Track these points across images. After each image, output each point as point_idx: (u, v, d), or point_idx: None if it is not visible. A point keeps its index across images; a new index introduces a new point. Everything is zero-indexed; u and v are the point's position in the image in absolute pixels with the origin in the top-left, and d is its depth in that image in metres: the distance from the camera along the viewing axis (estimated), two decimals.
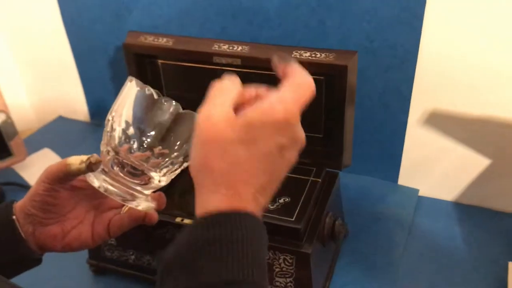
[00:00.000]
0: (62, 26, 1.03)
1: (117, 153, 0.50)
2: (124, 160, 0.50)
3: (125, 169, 0.51)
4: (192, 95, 0.79)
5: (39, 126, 1.18)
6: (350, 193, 0.87)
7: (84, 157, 0.51)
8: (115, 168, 0.51)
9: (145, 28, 0.92)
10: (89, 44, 1.03)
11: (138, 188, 0.52)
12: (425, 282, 0.73)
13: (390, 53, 0.76)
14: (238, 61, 0.71)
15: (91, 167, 0.51)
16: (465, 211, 0.85)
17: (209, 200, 0.39)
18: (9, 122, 0.97)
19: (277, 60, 0.45)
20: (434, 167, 0.85)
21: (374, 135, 0.86)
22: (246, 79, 0.73)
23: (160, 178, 0.52)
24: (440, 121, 0.80)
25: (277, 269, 0.64)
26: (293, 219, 0.63)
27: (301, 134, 0.42)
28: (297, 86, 0.42)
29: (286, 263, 0.63)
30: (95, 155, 0.51)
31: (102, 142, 0.52)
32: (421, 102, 0.79)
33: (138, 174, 0.51)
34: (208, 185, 0.39)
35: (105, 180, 0.51)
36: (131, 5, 0.92)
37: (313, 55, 0.67)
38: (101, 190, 0.50)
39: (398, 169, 0.88)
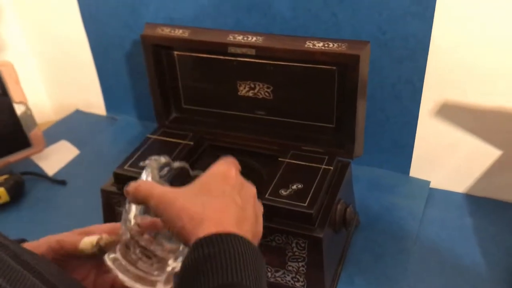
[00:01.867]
0: (80, 20, 1.05)
1: (132, 237, 0.48)
2: (141, 244, 0.48)
3: (141, 253, 0.49)
4: (207, 85, 0.82)
5: (57, 119, 1.20)
6: (361, 185, 0.89)
7: (94, 240, 0.49)
8: (131, 251, 0.49)
9: (161, 22, 0.94)
10: (106, 38, 1.05)
11: (154, 272, 0.49)
12: (436, 271, 0.74)
13: (401, 44, 0.77)
14: (252, 51, 0.72)
15: (103, 249, 0.49)
16: (477, 203, 0.86)
17: (197, 234, 0.42)
18: (28, 114, 1.00)
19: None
20: (446, 159, 0.86)
21: (385, 126, 0.87)
22: (260, 69, 0.75)
23: (175, 265, 0.49)
24: (452, 112, 0.81)
25: (289, 254, 0.65)
26: (305, 205, 0.64)
27: (245, 182, 0.50)
28: (221, 162, 0.50)
29: (299, 247, 0.64)
30: (104, 236, 0.49)
31: (121, 227, 0.50)
32: (432, 93, 0.80)
33: (153, 260, 0.49)
34: (192, 228, 0.43)
35: (118, 262, 0.48)
36: (147, 0, 0.94)
37: (326, 45, 0.69)
38: (118, 276, 0.48)
39: (409, 161, 0.89)
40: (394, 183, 0.90)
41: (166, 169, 0.56)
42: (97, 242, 0.49)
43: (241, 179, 0.49)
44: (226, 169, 0.49)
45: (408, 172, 0.90)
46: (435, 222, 0.82)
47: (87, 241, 0.50)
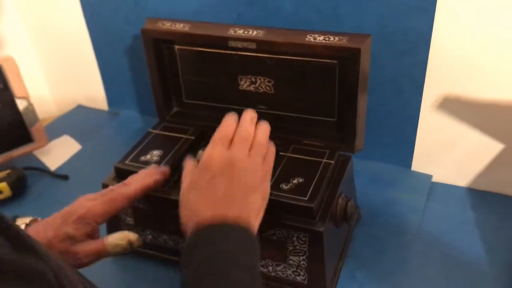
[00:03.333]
0: (81, 15, 1.05)
1: None
2: None
3: None
4: (208, 79, 0.82)
5: (59, 115, 1.20)
6: (363, 179, 0.88)
7: (123, 240, 0.60)
8: None
9: (162, 17, 0.94)
10: (108, 33, 1.05)
11: None
12: (437, 265, 0.74)
13: (403, 38, 0.77)
14: (253, 45, 0.72)
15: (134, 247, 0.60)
16: (479, 196, 0.86)
17: (186, 232, 0.52)
18: (30, 109, 1.00)
19: None
20: (448, 153, 0.86)
21: (387, 120, 0.86)
22: (261, 63, 0.75)
23: None
24: (453, 106, 0.81)
25: (290, 248, 0.65)
26: (306, 198, 0.64)
27: (227, 158, 0.56)
28: (206, 149, 0.58)
29: (300, 241, 0.64)
30: (133, 237, 0.60)
31: None
32: (434, 87, 0.80)
33: None
34: (184, 228, 0.54)
35: None
36: None
37: (327, 39, 0.68)
38: None
39: (411, 155, 0.88)
40: (396, 177, 0.89)
41: None
42: (131, 243, 0.59)
43: (222, 159, 0.55)
44: (206, 158, 0.56)
45: (410, 166, 0.90)
46: (437, 216, 0.82)
47: (114, 243, 0.58)
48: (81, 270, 0.78)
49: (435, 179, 0.89)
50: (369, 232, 0.79)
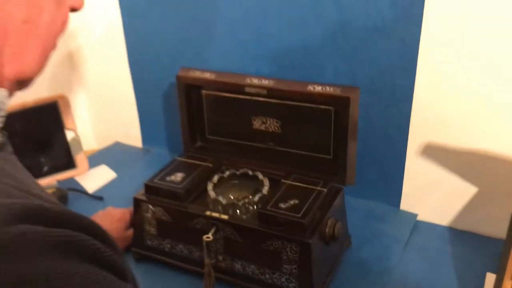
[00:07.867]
0: (127, 65, 1.25)
1: None
2: None
3: None
4: (227, 119, 0.98)
5: (98, 149, 1.38)
6: (357, 214, 1.01)
7: None
8: None
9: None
10: (147, 81, 1.24)
11: None
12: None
13: (389, 93, 0.92)
14: (264, 92, 0.89)
15: None
16: (457, 234, 0.97)
17: None
18: (76, 140, 1.18)
19: None
20: (431, 194, 0.98)
21: (378, 164, 1.00)
22: (271, 107, 0.91)
23: None
24: (435, 153, 0.94)
25: (284, 257, 0.78)
26: (299, 215, 0.78)
27: None
28: None
29: (292, 251, 0.77)
30: None
31: None
32: (417, 135, 0.94)
33: None
34: None
35: None
36: (184, 48, 1.13)
37: (324, 89, 0.85)
38: None
39: (399, 195, 1.01)
40: (385, 215, 1.02)
41: None
42: None
43: None
44: None
45: (398, 206, 1.03)
46: (418, 248, 0.93)
47: None
48: None
49: (420, 218, 1.01)
50: (357, 257, 0.91)
